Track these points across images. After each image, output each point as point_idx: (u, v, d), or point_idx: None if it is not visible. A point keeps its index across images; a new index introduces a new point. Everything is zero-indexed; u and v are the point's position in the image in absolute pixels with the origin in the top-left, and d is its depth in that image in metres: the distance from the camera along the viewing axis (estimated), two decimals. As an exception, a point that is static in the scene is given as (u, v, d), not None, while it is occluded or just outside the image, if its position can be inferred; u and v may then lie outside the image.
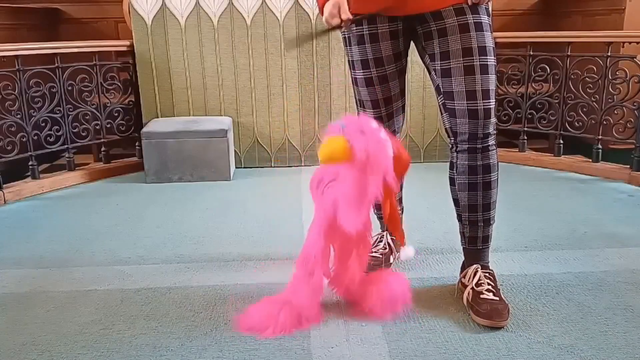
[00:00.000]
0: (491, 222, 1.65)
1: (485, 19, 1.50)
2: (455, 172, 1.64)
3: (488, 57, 1.50)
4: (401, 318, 1.57)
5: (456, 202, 1.67)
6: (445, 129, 1.62)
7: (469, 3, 1.47)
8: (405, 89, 1.74)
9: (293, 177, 3.03)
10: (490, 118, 1.54)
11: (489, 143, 1.57)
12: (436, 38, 1.52)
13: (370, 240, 1.67)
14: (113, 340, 1.51)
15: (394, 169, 1.46)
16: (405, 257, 1.65)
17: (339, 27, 1.53)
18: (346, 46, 1.69)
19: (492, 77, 1.53)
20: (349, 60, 1.71)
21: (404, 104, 1.77)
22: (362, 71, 1.66)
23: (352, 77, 1.73)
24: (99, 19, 3.87)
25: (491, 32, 1.53)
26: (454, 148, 1.62)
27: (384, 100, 1.70)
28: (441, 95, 1.58)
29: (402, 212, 1.95)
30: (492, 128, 1.57)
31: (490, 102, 1.53)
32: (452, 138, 1.60)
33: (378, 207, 1.90)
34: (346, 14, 1.49)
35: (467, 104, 1.52)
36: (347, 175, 1.46)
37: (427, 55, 1.59)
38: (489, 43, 1.51)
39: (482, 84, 1.51)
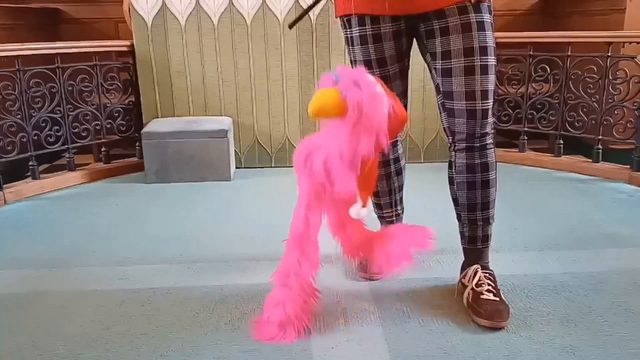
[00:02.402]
0: (490, 222, 1.65)
1: (487, 18, 1.50)
2: (454, 171, 1.64)
3: (489, 57, 1.50)
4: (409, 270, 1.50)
5: (455, 201, 1.68)
6: (444, 128, 1.62)
7: (472, 1, 1.47)
8: (407, 89, 1.73)
9: (293, 177, 3.01)
10: (487, 118, 1.55)
11: (487, 142, 1.58)
12: (438, 37, 1.52)
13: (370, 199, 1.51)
14: (113, 340, 1.51)
15: (388, 126, 1.37)
16: (355, 213, 1.50)
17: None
18: (348, 46, 1.68)
19: (492, 77, 1.53)
20: (351, 60, 1.70)
21: (406, 104, 1.76)
22: None
23: None
24: (99, 19, 3.87)
25: (492, 31, 1.53)
26: (452, 147, 1.62)
27: None
28: (440, 95, 1.58)
29: (403, 212, 1.94)
30: (490, 127, 1.58)
31: (488, 102, 1.53)
32: (450, 137, 1.61)
33: (379, 207, 1.90)
34: None
35: (465, 104, 1.52)
36: (337, 132, 1.36)
37: (428, 54, 1.59)
38: (490, 42, 1.51)
39: (481, 84, 1.51)
